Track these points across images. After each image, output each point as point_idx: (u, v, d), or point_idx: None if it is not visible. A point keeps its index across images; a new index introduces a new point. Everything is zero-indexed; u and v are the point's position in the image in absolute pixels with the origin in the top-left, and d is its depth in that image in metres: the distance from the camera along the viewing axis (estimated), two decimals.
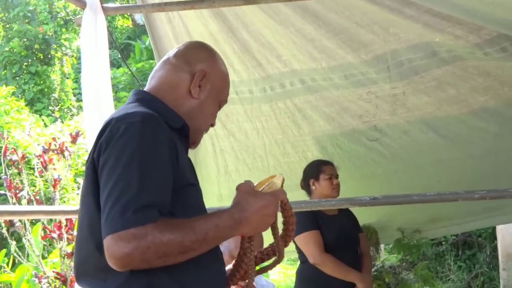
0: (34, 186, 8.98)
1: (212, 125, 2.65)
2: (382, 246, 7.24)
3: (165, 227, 2.11)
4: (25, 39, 19.50)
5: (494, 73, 4.94)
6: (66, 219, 6.70)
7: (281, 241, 2.50)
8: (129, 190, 2.12)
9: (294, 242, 5.18)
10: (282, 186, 2.42)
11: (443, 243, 11.37)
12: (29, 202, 7.30)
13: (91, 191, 2.28)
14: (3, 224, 7.00)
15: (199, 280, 2.28)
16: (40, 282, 6.83)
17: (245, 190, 2.33)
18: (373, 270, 5.77)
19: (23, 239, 6.98)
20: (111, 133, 2.24)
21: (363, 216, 5.78)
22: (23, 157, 8.05)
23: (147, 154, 2.19)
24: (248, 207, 2.26)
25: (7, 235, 6.94)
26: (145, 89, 2.57)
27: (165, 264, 2.15)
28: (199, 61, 2.56)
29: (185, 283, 2.24)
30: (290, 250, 4.11)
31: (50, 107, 18.75)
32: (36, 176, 8.35)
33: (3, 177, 7.35)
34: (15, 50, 19.09)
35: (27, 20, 20.51)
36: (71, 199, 9.80)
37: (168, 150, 2.25)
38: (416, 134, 5.49)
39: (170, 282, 2.22)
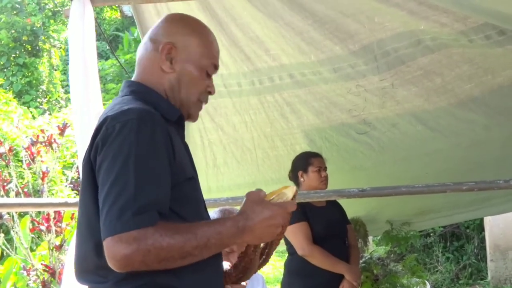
0: (22, 178, 8.95)
1: (210, 92, 2.53)
2: (370, 238, 7.26)
3: (166, 231, 2.11)
4: (13, 31, 19.39)
5: (477, 60, 4.95)
6: (55, 212, 6.70)
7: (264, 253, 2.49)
8: (126, 191, 2.11)
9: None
10: (293, 198, 2.37)
11: (431, 234, 11.41)
12: (17, 194, 7.29)
13: (88, 189, 2.27)
14: None
15: (198, 278, 2.27)
16: (28, 274, 6.82)
17: (252, 199, 2.29)
18: (361, 261, 5.78)
19: (11, 232, 6.97)
20: (107, 132, 2.21)
21: (352, 208, 5.79)
22: (11, 149, 8.04)
23: (144, 153, 2.17)
24: (253, 216, 2.24)
25: None
26: (134, 76, 2.53)
27: (164, 268, 2.15)
28: (164, 35, 2.49)
29: (184, 280, 2.24)
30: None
31: (38, 99, 18.68)
32: (24, 169, 8.32)
33: None
34: (2, 41, 18.98)
35: (15, 12, 20.39)
36: (59, 192, 9.77)
37: (165, 147, 2.23)
38: (405, 126, 5.49)
39: (168, 279, 2.21)
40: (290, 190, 2.37)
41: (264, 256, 2.51)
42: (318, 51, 4.95)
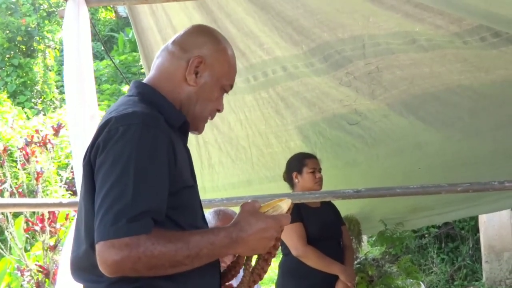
0: (17, 178, 8.94)
1: (219, 110, 2.57)
2: (364, 238, 7.26)
3: (158, 239, 2.10)
4: (8, 31, 19.38)
5: (471, 60, 4.94)
6: (49, 212, 6.69)
7: (260, 265, 2.46)
8: (124, 197, 2.10)
9: None
10: (288, 211, 2.37)
11: (426, 235, 11.41)
12: (12, 194, 7.30)
13: (88, 189, 2.26)
14: None
15: (195, 281, 2.27)
16: (22, 275, 6.82)
17: (247, 210, 2.29)
18: (356, 262, 5.78)
19: (6, 232, 6.96)
20: (109, 133, 2.20)
21: (346, 206, 5.79)
22: (5, 149, 8.04)
23: (144, 160, 2.16)
24: (247, 228, 2.23)
25: None
26: (146, 79, 2.53)
27: (154, 275, 2.15)
28: (195, 47, 2.48)
29: (180, 284, 2.24)
30: None
31: (33, 100, 18.67)
32: (18, 169, 8.32)
33: None
34: None
35: (9, 12, 20.38)
36: (54, 192, 9.77)
37: (166, 154, 2.22)
38: (396, 118, 5.46)
39: (164, 282, 2.21)
40: (285, 203, 2.36)
41: (258, 271, 2.49)
42: (308, 40, 4.92)
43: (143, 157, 2.16)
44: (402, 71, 5.15)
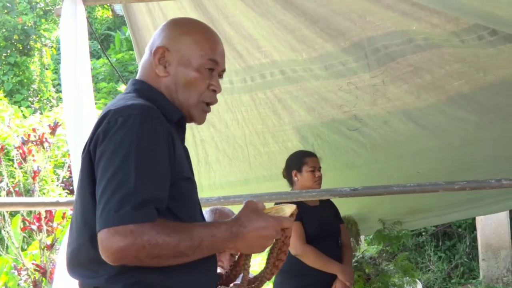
0: (14, 177, 8.94)
1: (215, 91, 2.53)
2: (362, 237, 7.25)
3: (163, 229, 2.11)
4: (4, 30, 19.33)
5: (469, 60, 4.93)
6: (46, 211, 6.69)
7: (268, 270, 2.46)
8: (127, 183, 2.11)
9: None
10: (291, 216, 2.38)
11: (423, 234, 11.42)
12: (8, 193, 7.30)
13: (86, 182, 2.26)
14: None
15: (190, 277, 2.27)
16: (19, 274, 6.81)
17: (250, 207, 2.31)
18: (353, 261, 5.78)
19: (2, 231, 6.96)
20: (108, 124, 2.21)
21: (344, 207, 5.78)
22: (2, 148, 8.03)
23: (145, 148, 2.17)
24: (247, 224, 2.25)
25: None
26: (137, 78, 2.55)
27: (156, 265, 2.15)
28: (159, 39, 2.50)
29: (175, 279, 2.24)
30: None
31: (30, 98, 18.62)
32: (15, 168, 8.33)
33: None
34: None
35: (6, 11, 20.31)
36: (51, 191, 9.75)
37: (166, 144, 2.23)
38: (396, 124, 5.48)
39: (161, 277, 2.21)
40: (289, 207, 2.39)
41: (269, 269, 2.48)
42: (310, 49, 4.94)
43: (143, 146, 2.17)
44: (407, 84, 5.15)
